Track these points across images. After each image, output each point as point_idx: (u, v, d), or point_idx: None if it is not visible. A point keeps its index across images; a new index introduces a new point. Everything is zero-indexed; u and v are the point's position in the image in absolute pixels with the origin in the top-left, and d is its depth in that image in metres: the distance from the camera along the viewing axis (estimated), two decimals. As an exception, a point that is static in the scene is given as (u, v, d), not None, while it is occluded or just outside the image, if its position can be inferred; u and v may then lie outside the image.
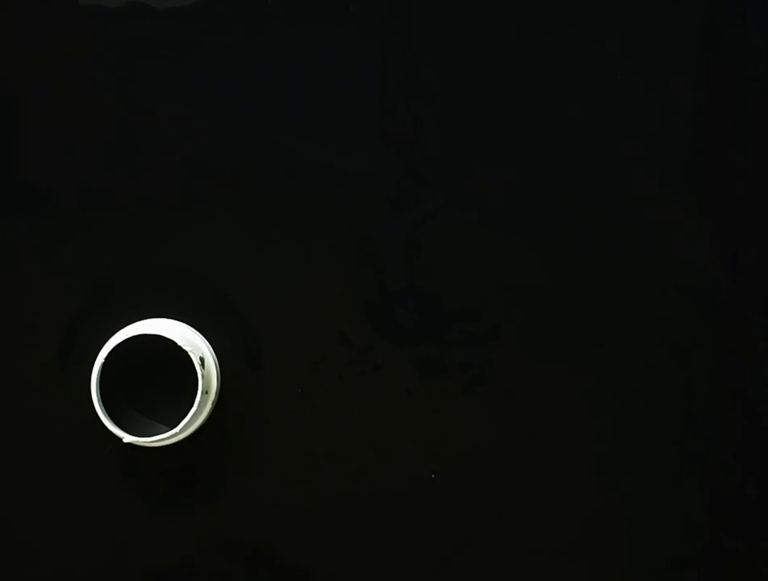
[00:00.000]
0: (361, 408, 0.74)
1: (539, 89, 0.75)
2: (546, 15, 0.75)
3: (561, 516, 0.74)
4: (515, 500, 0.74)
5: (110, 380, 0.69)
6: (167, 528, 0.74)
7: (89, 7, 0.74)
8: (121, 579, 0.74)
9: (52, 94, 0.74)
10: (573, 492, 0.74)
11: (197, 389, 0.69)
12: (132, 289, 0.74)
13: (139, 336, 0.69)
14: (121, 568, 0.74)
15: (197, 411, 0.69)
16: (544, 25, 0.75)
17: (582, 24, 0.75)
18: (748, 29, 0.75)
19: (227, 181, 0.74)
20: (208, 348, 0.73)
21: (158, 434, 0.69)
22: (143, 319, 0.72)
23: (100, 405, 0.68)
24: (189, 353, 0.68)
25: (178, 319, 0.73)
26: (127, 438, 0.68)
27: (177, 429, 0.68)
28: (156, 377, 0.72)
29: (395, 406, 0.74)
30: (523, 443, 0.74)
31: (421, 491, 0.74)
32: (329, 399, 0.74)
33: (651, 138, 0.74)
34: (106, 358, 0.69)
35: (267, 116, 0.74)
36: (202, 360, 0.70)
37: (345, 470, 0.74)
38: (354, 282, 0.74)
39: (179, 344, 0.68)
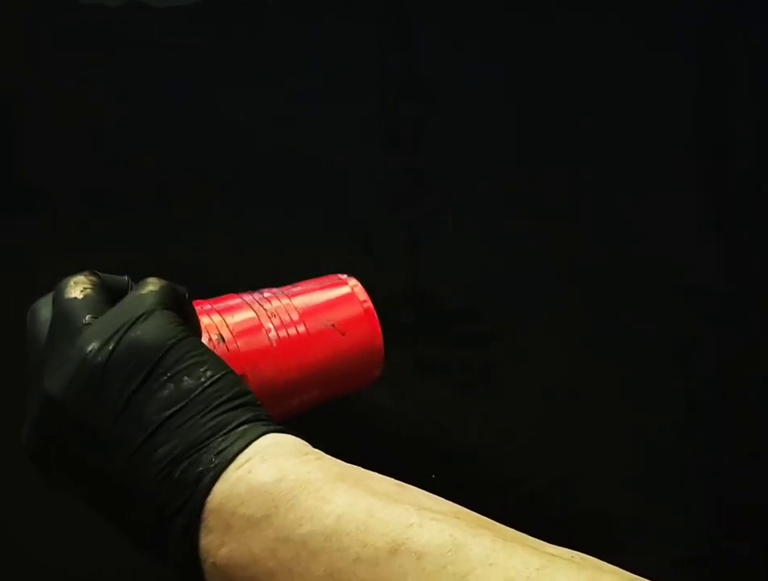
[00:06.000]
0: (361, 408, 0.74)
1: (538, 87, 0.75)
2: (548, 12, 0.75)
3: (560, 516, 0.74)
4: (513, 500, 0.74)
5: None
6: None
7: (90, 7, 0.74)
8: None
9: (51, 94, 0.74)
10: (573, 492, 0.74)
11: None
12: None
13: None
14: (121, 571, 0.74)
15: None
16: (547, 22, 0.75)
17: (584, 22, 0.75)
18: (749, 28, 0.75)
19: (227, 181, 0.74)
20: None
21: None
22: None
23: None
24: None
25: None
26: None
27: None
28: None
29: (395, 406, 0.74)
30: (523, 443, 0.74)
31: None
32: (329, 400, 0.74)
33: (652, 138, 0.74)
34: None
35: (267, 116, 0.74)
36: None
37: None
38: (354, 282, 0.74)
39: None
